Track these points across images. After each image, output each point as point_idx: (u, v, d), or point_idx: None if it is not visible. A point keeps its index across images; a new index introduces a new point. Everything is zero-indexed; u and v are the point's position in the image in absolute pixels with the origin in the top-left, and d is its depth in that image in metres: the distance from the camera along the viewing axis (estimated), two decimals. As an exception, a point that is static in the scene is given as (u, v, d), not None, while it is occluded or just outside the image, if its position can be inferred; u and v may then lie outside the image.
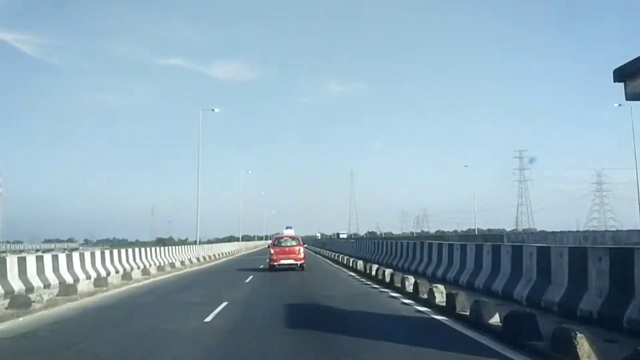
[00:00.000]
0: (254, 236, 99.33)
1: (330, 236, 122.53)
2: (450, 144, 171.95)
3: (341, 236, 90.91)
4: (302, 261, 20.48)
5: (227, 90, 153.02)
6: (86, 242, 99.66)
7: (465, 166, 70.41)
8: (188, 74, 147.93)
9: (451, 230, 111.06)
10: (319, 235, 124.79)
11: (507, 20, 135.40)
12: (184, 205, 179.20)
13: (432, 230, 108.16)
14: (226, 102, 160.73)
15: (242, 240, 72.14)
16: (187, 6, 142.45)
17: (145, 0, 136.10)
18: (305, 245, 27.05)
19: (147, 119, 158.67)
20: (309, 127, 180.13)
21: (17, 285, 11.58)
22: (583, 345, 5.13)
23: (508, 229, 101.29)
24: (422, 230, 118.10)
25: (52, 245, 73.06)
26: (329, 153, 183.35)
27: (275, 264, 20.25)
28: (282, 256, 20.45)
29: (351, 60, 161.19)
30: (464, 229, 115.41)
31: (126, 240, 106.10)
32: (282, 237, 22.88)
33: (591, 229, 77.18)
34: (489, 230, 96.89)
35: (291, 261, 20.30)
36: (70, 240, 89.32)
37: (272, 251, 20.83)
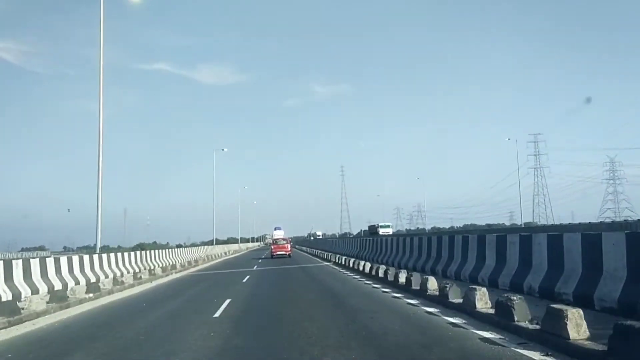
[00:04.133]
0: (239, 238, 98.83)
1: (332, 235, 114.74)
2: (447, 138, 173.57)
3: (383, 231, 65.91)
4: (290, 252, 36.97)
5: (213, 94, 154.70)
6: (65, 250, 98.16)
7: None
8: (173, 78, 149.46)
9: (447, 226, 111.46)
10: (319, 233, 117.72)
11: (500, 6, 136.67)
12: (166, 209, 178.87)
13: (428, 227, 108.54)
14: (211, 106, 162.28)
15: (228, 242, 71.38)
16: (171, 11, 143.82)
17: (128, 6, 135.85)
18: (293, 244, 44.42)
19: (131, 125, 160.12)
20: (296, 128, 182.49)
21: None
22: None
23: (507, 223, 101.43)
24: (417, 227, 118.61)
25: (20, 255, 71.86)
26: (318, 153, 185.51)
27: (274, 254, 36.17)
28: (278, 250, 36.51)
29: (334, 63, 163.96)
30: (459, 225, 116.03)
31: (108, 246, 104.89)
32: (278, 239, 41.12)
33: (606, 220, 71.24)
34: (488, 225, 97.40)
35: (283, 252, 36.08)
36: (41, 248, 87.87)
37: (272, 247, 38.04)
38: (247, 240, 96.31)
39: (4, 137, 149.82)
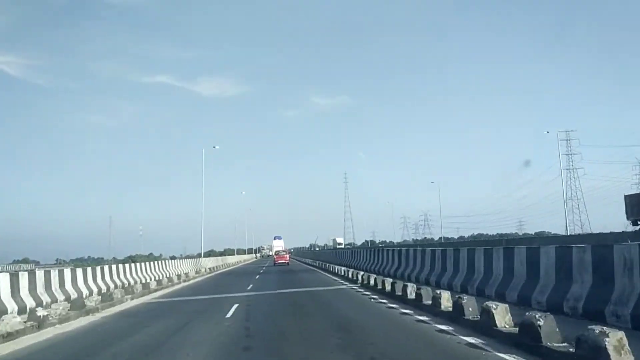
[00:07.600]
0: (238, 249, 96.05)
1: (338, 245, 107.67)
2: (454, 146, 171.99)
3: None
4: (288, 261, 47.10)
5: (213, 106, 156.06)
6: (57, 262, 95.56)
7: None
8: (174, 91, 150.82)
9: (456, 237, 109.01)
10: (340, 240, 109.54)
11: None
12: (164, 221, 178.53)
13: (435, 237, 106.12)
14: (212, 118, 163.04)
15: (225, 254, 68.53)
16: (171, 24, 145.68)
17: (129, 20, 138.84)
18: (293, 255, 56.11)
19: (132, 138, 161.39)
20: (296, 138, 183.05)
21: None
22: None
23: (520, 233, 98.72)
24: (425, 237, 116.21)
25: (1, 267, 69.64)
26: (319, 164, 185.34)
27: (275, 262, 45.82)
28: (279, 259, 46.21)
29: (334, 75, 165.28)
30: (467, 235, 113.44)
31: (102, 258, 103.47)
32: (279, 250, 52.75)
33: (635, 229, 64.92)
34: (500, 235, 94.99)
35: (283, 261, 45.69)
36: (25, 260, 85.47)
37: (275, 257, 48.66)
38: (224, 253, 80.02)
39: (6, 149, 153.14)
